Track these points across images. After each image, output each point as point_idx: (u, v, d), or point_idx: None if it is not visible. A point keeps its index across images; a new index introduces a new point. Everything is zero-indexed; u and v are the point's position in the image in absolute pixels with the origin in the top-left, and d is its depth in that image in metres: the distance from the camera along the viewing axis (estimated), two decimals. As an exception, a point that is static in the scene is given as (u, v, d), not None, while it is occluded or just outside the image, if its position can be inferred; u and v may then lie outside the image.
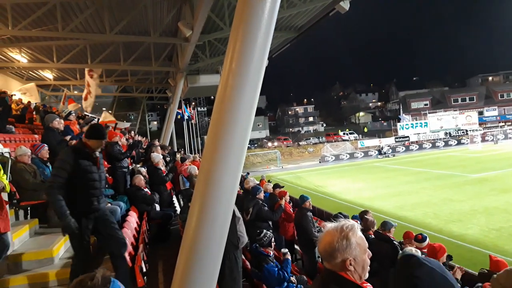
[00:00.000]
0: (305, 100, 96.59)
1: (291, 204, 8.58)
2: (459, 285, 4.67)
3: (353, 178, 26.53)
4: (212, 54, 18.00)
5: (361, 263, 1.71)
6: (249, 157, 42.42)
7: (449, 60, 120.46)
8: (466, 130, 48.45)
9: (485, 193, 17.19)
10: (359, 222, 5.52)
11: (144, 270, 4.19)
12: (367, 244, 1.76)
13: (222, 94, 3.35)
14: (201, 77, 19.10)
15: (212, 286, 3.16)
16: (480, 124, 52.02)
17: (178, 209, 8.69)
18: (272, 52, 18.94)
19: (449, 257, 4.82)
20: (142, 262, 4.15)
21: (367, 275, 1.74)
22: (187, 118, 31.48)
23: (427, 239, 5.29)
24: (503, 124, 53.00)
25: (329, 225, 1.79)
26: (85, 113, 19.09)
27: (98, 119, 14.37)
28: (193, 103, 38.09)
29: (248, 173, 11.55)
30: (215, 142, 3.30)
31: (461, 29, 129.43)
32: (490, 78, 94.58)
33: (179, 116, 28.55)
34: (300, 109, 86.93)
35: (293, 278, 4.69)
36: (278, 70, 78.15)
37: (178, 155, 11.36)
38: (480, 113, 55.36)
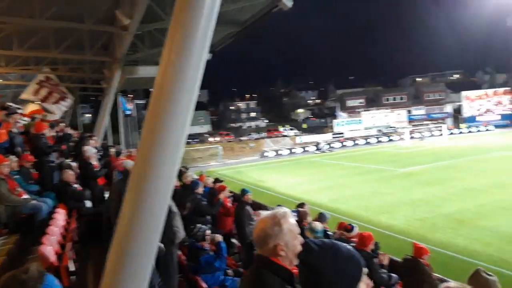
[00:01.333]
0: (248, 95, 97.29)
1: (232, 199, 8.62)
2: (385, 270, 5.01)
3: (292, 172, 27.28)
4: (152, 45, 17.40)
5: (292, 249, 1.77)
6: (190, 152, 41.83)
7: (383, 61, 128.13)
8: (396, 128, 52.02)
9: (411, 186, 18.57)
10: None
11: (73, 269, 3.96)
12: (298, 230, 1.83)
13: (160, 86, 3.25)
14: (140, 68, 18.41)
15: (145, 283, 3.06)
16: (409, 122, 56.07)
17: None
18: (215, 46, 18.74)
19: (377, 245, 5.14)
20: (70, 261, 3.91)
21: (297, 260, 1.80)
22: (127, 112, 30.25)
23: (356, 229, 5.62)
24: (429, 122, 57.53)
25: (263, 213, 1.85)
26: (8, 103, 17.52)
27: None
28: (131, 96, 36.60)
29: (187, 168, 11.38)
30: (151, 135, 3.20)
31: (395, 32, 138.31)
32: (419, 79, 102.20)
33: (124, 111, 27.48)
34: (242, 105, 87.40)
35: (230, 271, 4.73)
36: (222, 65, 77.82)
37: (112, 149, 10.86)
38: (409, 111, 59.62)
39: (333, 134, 50.38)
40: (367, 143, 47.14)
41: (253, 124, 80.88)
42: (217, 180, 8.96)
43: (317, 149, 42.10)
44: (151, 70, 18.11)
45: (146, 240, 3.07)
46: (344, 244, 1.66)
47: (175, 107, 3.16)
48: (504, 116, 58.25)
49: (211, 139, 57.56)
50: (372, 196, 17.08)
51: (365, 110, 57.51)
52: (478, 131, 52.89)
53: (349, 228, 5.60)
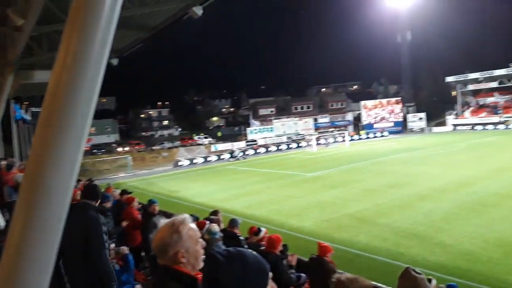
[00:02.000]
0: (160, 103, 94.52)
1: (142, 211, 8.23)
2: (293, 270, 5.22)
3: (206, 181, 27.13)
4: (50, 48, 15.96)
5: (193, 254, 1.77)
6: (96, 163, 39.18)
7: (292, 73, 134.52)
8: (304, 135, 55.00)
9: (318, 189, 19.73)
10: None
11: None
12: (199, 235, 1.81)
13: (53, 93, 2.96)
14: (36, 73, 16.69)
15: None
16: (315, 129, 59.70)
17: (2, 224, 7.38)
18: (123, 51, 17.89)
19: (285, 247, 5.33)
20: None
21: (201, 264, 1.77)
22: (22, 119, 27.16)
23: (262, 231, 5.78)
24: (333, 129, 61.88)
25: (162, 222, 1.81)
26: None
27: None
28: (27, 103, 33.05)
29: (92, 180, 10.60)
30: (43, 145, 2.88)
31: (302, 46, 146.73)
32: (323, 89, 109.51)
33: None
34: (154, 113, 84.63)
35: (138, 286, 4.50)
36: (132, 71, 74.51)
37: (3, 162, 9.67)
38: (315, 119, 63.55)
39: (247, 141, 51.40)
40: (279, 149, 49.01)
41: (165, 132, 78.78)
42: (124, 192, 8.49)
43: (232, 157, 42.53)
44: (49, 75, 16.52)
45: (40, 260, 2.75)
46: (250, 250, 1.65)
47: (71, 115, 2.90)
48: (396, 123, 65.28)
49: (119, 149, 54.56)
50: (284, 201, 17.75)
51: (276, 119, 59.85)
52: (375, 137, 58.57)
53: (256, 231, 5.77)
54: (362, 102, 66.64)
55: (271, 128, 56.33)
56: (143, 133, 75.69)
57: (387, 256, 9.79)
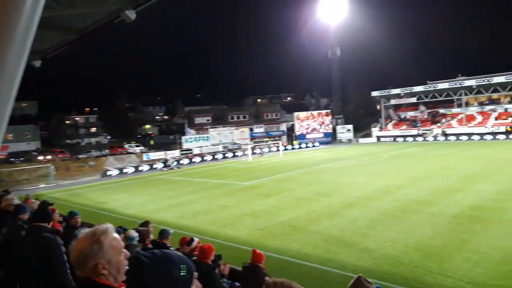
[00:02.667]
0: (88, 109, 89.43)
1: (64, 224, 7.65)
2: (225, 279, 5.17)
3: (137, 191, 26.05)
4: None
5: (116, 265, 1.68)
6: (13, 173, 35.85)
7: (229, 82, 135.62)
8: (240, 144, 55.42)
9: (252, 198, 19.91)
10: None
11: None
12: (122, 245, 1.73)
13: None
14: None
15: None
16: (251, 139, 60.47)
17: None
18: (46, 52, 16.66)
19: (218, 256, 5.28)
20: None
21: (124, 276, 1.69)
22: None
23: (195, 241, 5.70)
24: (268, 139, 63.15)
25: (82, 231, 1.70)
26: None
27: None
28: None
29: (8, 191, 9.65)
30: None
31: (238, 56, 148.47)
32: (259, 100, 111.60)
33: None
34: (81, 119, 79.85)
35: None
36: (57, 74, 69.61)
37: None
38: (251, 129, 64.43)
39: (182, 150, 50.42)
40: (214, 159, 48.76)
41: (93, 140, 74.61)
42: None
43: (165, 166, 41.39)
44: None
45: None
46: (175, 251, 1.65)
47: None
48: (326, 134, 68.45)
49: (40, 157, 50.46)
50: (219, 210, 17.62)
51: (212, 127, 59.63)
52: (307, 147, 60.83)
53: (188, 241, 5.68)
54: (295, 114, 69.05)
55: (207, 137, 55.94)
56: (68, 141, 70.92)
57: (318, 262, 10.12)
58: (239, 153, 51.59)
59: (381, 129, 67.98)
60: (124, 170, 39.02)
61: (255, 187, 23.69)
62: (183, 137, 55.90)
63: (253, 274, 5.00)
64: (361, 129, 73.75)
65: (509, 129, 52.29)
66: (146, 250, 4.41)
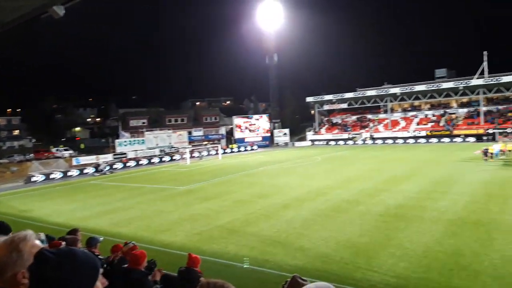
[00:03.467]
0: (10, 110, 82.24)
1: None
2: (158, 286, 5.06)
3: (66, 198, 24.41)
4: None
5: None
6: None
7: (166, 84, 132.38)
8: (178, 148, 54.38)
9: (190, 202, 19.64)
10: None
11: None
12: None
13: None
14: None
15: None
16: (189, 142, 59.59)
17: None
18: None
19: (152, 263, 5.14)
20: None
21: None
22: None
23: (130, 244, 5.51)
24: (207, 142, 62.67)
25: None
26: None
27: None
28: None
29: None
30: None
31: (177, 58, 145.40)
32: (198, 103, 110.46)
33: None
34: (2, 120, 73.18)
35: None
36: (-28, 71, 62.97)
37: None
38: (190, 132, 63.54)
39: (115, 154, 48.24)
40: (150, 163, 47.30)
41: (16, 144, 68.63)
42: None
43: (97, 171, 39.28)
44: None
45: None
46: (81, 249, 1.61)
47: None
48: (264, 138, 69.68)
49: (-46, 162, 45.39)
50: (154, 216, 17.12)
51: (148, 130, 57.77)
52: (246, 150, 61.37)
53: (126, 243, 5.46)
54: (234, 117, 69.41)
55: (143, 140, 54.13)
56: (-14, 144, 64.54)
57: (254, 263, 10.25)
58: (176, 157, 50.57)
59: (315, 133, 70.72)
60: (51, 176, 36.35)
61: (194, 191, 23.38)
62: (117, 140, 53.53)
63: (188, 278, 4.94)
64: (297, 133, 76.15)
65: (429, 133, 57.21)
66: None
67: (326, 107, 71.81)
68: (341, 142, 64.32)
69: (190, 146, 55.78)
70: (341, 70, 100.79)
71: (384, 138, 61.01)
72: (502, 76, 53.94)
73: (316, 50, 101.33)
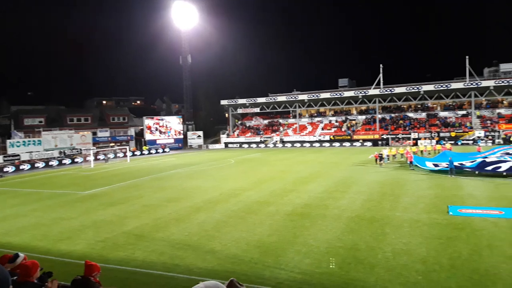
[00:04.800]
0: None
1: None
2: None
3: None
4: None
5: None
6: None
7: (68, 81, 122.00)
8: (81, 149, 50.39)
9: (94, 208, 18.32)
10: None
11: None
12: None
13: None
14: None
15: None
16: (93, 144, 55.60)
17: None
18: None
19: (47, 274, 4.67)
20: None
21: None
22: None
23: (20, 257, 4.94)
24: (114, 144, 59.19)
25: None
26: None
27: None
28: None
29: None
30: None
31: (80, 53, 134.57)
32: (104, 102, 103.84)
33: None
34: None
35: None
36: None
37: None
38: (94, 133, 59.34)
39: (6, 156, 42.95)
40: (48, 166, 43.19)
41: None
42: None
43: (-18, 175, 34.59)
44: None
45: None
46: None
47: None
48: (177, 140, 68.26)
49: None
50: (52, 224, 15.61)
51: (45, 130, 52.51)
52: (157, 152, 59.40)
53: (11, 257, 4.85)
54: (145, 118, 66.72)
55: (39, 141, 49.06)
56: None
57: (163, 269, 9.93)
58: (79, 159, 46.91)
59: (228, 136, 71.40)
60: None
61: (98, 196, 21.87)
62: (8, 141, 47.68)
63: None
64: (211, 136, 76.13)
65: (332, 138, 61.55)
66: None
67: (240, 111, 72.96)
68: (254, 145, 65.93)
69: (95, 148, 52.12)
70: (255, 75, 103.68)
71: (293, 142, 64.08)
72: (394, 87, 60.54)
73: (231, 54, 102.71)
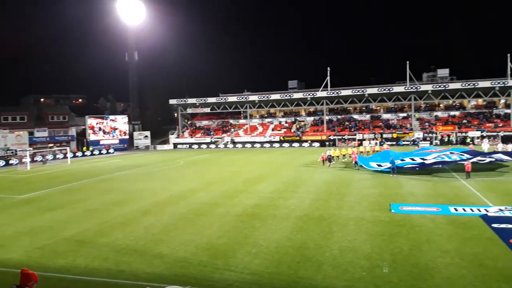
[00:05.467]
0: None
1: None
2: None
3: None
4: None
5: None
6: None
7: (2, 76, 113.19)
8: (16, 150, 46.90)
9: (31, 213, 17.08)
10: None
11: None
12: None
13: None
14: None
15: None
16: (30, 145, 51.97)
17: None
18: None
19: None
20: None
21: None
22: None
23: None
24: (53, 145, 55.76)
25: None
26: None
27: None
28: None
29: None
30: None
31: (17, 45, 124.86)
32: (43, 99, 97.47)
33: None
34: None
35: None
36: None
37: None
38: (31, 133, 55.49)
39: None
40: (-22, 168, 39.66)
41: None
42: None
43: None
44: None
45: None
46: None
47: None
48: (122, 140, 65.81)
49: None
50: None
51: (-25, 130, 48.26)
52: (101, 153, 56.81)
53: None
54: (87, 117, 63.49)
55: (-32, 141, 45.02)
56: None
57: (107, 276, 9.46)
58: (14, 161, 43.60)
59: (178, 136, 70.07)
60: None
61: (35, 200, 20.43)
62: None
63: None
64: (159, 136, 74.24)
65: (282, 138, 62.57)
66: None
67: (189, 111, 71.86)
68: (204, 146, 65.27)
69: (31, 148, 48.73)
70: (206, 74, 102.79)
71: (244, 143, 64.28)
72: (341, 89, 62.86)
73: (181, 52, 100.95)
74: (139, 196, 20.29)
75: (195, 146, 65.82)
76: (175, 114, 74.71)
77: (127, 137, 66.68)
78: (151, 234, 12.99)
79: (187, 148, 65.54)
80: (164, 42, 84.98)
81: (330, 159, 30.65)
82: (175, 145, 67.65)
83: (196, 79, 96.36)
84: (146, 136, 67.65)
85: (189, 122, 74.97)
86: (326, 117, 65.49)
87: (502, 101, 59.32)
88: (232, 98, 69.53)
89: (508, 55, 54.95)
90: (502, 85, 54.31)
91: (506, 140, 48.99)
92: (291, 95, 65.97)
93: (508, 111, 57.12)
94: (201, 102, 69.63)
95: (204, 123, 74.38)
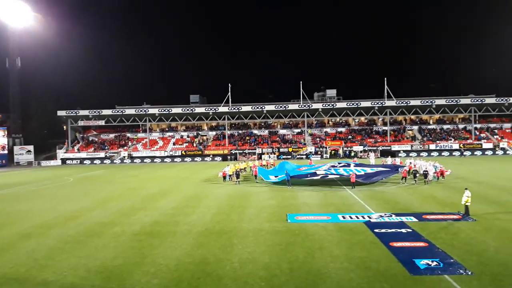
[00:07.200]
0: None
1: None
2: None
3: None
4: None
5: None
6: None
7: None
8: None
9: None
10: None
11: None
12: None
13: None
14: None
15: None
16: None
17: None
18: None
19: None
20: None
21: None
22: None
23: None
24: None
25: None
26: None
27: None
28: None
29: None
30: None
31: None
32: None
33: None
34: None
35: None
36: None
37: None
38: None
39: None
40: None
41: None
42: None
43: None
44: None
45: None
46: None
47: None
48: (0, 156, 57.97)
49: None
50: None
51: None
52: (-29, 171, 49.08)
53: None
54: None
55: None
56: None
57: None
58: None
59: (67, 151, 64.25)
60: None
61: None
62: None
63: None
64: (44, 151, 67.15)
65: (184, 153, 61.62)
66: None
67: (81, 123, 66.48)
68: (98, 161, 60.95)
69: None
70: (100, 85, 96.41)
71: (142, 157, 61.72)
72: (241, 105, 64.66)
73: (72, 61, 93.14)
74: (18, 218, 17.97)
75: (87, 162, 61.05)
76: (64, 127, 68.48)
77: (5, 152, 58.91)
78: (33, 259, 11.56)
79: (77, 164, 60.38)
80: (54, 49, 77.61)
81: (238, 174, 29.52)
82: (63, 160, 61.81)
83: (89, 90, 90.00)
84: (29, 151, 60.68)
85: (80, 136, 69.35)
86: (228, 132, 66.58)
87: (381, 119, 67.70)
88: (130, 111, 66.33)
89: (385, 79, 63.00)
90: (380, 105, 62.08)
91: (384, 154, 55.72)
92: (193, 109, 65.64)
93: (385, 128, 65.23)
94: (95, 114, 65.03)
95: (99, 137, 69.54)
